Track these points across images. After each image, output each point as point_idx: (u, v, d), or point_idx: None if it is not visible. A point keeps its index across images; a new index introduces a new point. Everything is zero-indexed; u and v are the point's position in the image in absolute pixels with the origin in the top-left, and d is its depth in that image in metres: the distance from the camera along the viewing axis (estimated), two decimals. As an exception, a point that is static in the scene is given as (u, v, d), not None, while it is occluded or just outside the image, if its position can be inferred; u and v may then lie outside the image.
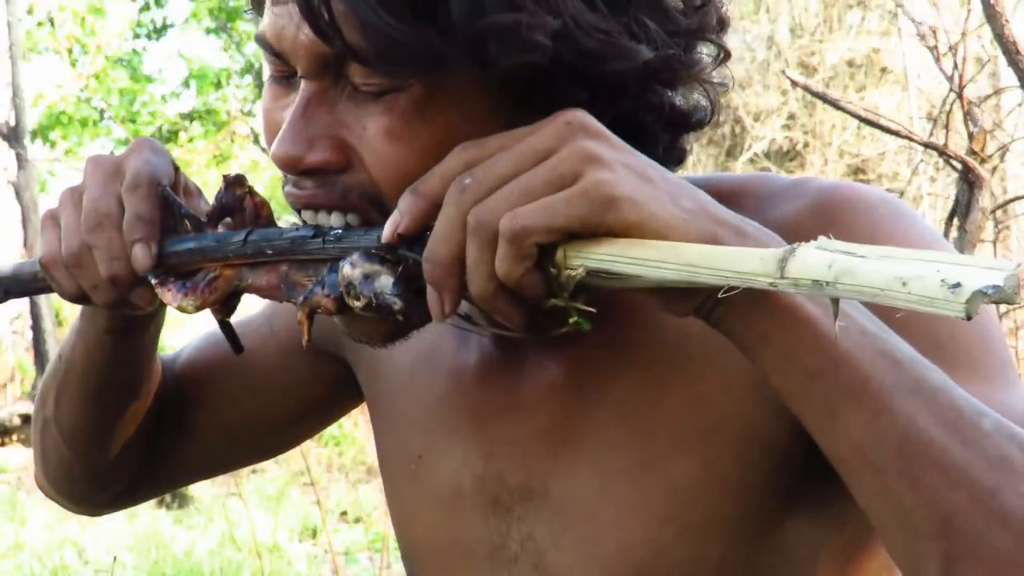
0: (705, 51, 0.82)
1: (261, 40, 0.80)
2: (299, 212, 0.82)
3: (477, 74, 0.75)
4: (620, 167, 0.70)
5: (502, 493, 0.90)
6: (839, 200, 0.82)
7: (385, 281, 0.76)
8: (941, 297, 0.53)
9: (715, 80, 0.83)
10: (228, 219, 0.86)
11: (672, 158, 0.83)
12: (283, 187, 0.83)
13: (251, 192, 0.86)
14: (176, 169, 0.89)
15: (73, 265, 0.87)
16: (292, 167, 0.79)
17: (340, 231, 0.79)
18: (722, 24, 0.83)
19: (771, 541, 0.84)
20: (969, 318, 0.53)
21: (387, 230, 0.75)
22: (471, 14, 0.71)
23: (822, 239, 0.62)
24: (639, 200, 0.69)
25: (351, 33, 0.72)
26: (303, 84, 0.78)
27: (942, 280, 0.54)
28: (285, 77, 0.81)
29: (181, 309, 0.85)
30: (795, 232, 0.81)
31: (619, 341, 0.86)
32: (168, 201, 0.86)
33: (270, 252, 0.81)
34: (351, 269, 0.76)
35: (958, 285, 0.53)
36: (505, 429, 0.90)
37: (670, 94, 0.80)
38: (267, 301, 1.10)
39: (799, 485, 0.82)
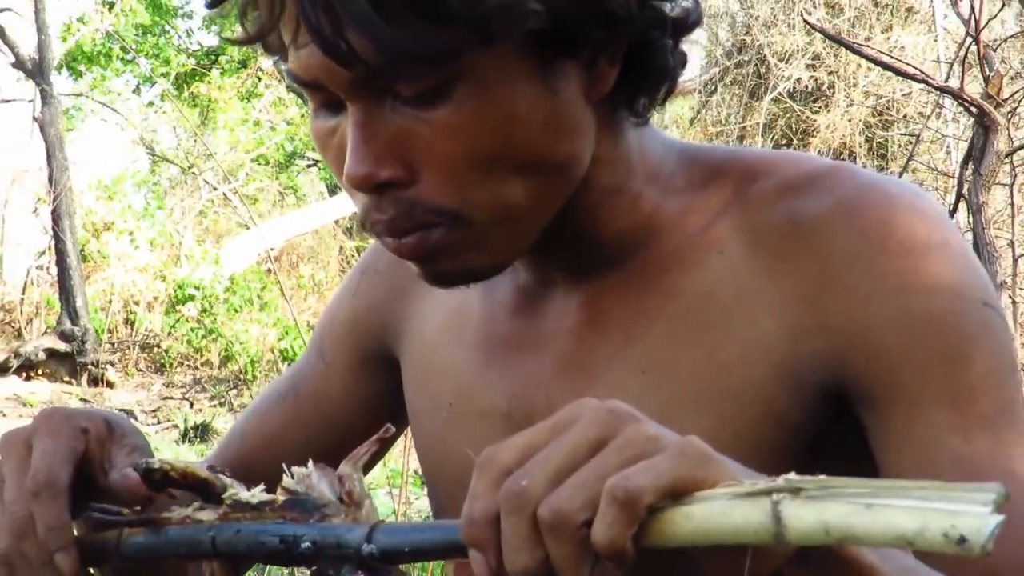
0: None
1: (294, 78, 0.81)
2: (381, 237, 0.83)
3: (504, 48, 0.77)
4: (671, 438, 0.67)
5: (527, 427, 0.93)
6: (875, 203, 0.83)
7: None
8: (952, 552, 0.53)
9: None
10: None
11: (679, 61, 0.87)
12: (363, 221, 0.84)
13: (166, 473, 0.81)
14: (84, 432, 0.87)
15: (9, 564, 0.85)
16: (367, 184, 0.80)
17: (311, 544, 0.75)
18: None
19: None
20: (988, 555, 0.53)
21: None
22: (468, 4, 0.74)
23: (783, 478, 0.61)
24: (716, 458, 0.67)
25: (368, 53, 0.75)
26: (350, 107, 0.80)
27: (944, 535, 0.53)
28: (328, 106, 0.83)
29: None
30: (819, 227, 0.83)
31: (644, 291, 0.88)
32: (92, 508, 0.83)
33: (245, 550, 0.78)
34: None
35: (963, 540, 0.53)
36: (528, 365, 0.93)
37: (665, 5, 0.83)
38: (310, 337, 1.11)
39: (808, 458, 0.83)
